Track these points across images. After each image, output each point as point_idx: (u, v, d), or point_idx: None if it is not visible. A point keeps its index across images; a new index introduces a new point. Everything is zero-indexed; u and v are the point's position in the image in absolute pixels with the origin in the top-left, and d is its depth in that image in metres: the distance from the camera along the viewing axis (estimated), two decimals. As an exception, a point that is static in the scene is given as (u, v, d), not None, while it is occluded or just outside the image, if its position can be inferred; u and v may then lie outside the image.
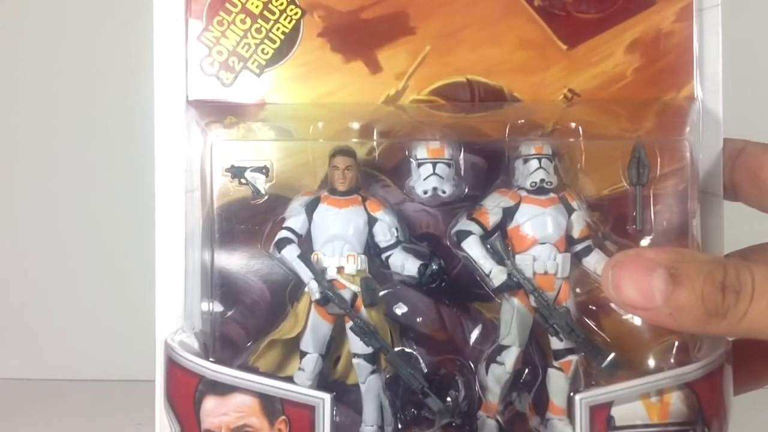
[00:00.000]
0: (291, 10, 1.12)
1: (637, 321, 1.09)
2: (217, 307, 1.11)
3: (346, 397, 1.12)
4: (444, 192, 1.10)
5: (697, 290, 0.88)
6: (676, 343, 1.09)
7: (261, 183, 1.10)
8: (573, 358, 1.10)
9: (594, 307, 1.12)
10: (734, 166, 1.12)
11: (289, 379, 1.10)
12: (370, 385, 1.10)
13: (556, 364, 1.11)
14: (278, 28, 1.12)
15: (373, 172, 1.13)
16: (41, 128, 2.05)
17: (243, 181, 1.10)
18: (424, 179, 1.10)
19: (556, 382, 1.11)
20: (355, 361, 1.10)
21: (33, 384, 2.08)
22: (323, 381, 1.11)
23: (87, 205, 2.07)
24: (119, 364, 2.03)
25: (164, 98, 1.12)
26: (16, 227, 2.09)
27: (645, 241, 1.11)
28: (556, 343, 1.11)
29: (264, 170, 1.10)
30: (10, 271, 2.10)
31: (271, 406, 1.03)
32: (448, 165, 1.10)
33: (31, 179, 2.08)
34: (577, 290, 1.12)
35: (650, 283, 0.89)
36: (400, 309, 1.11)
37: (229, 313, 1.11)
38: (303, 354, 1.10)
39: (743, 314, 0.89)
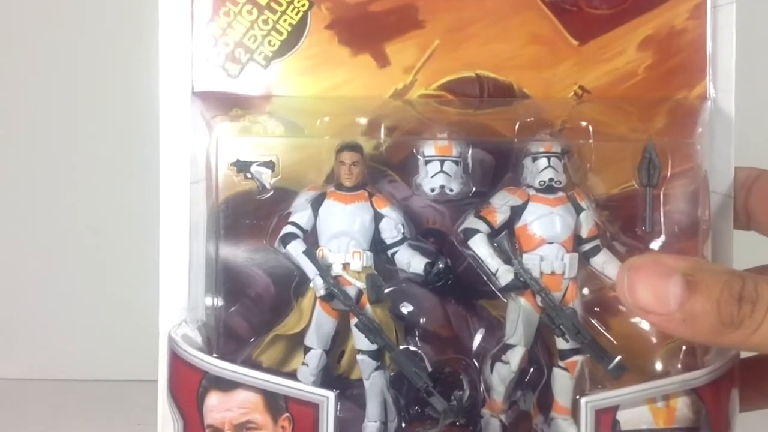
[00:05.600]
0: (298, 1, 1.14)
1: (644, 323, 1.11)
2: (221, 301, 1.13)
3: (349, 392, 1.14)
4: (452, 190, 1.12)
5: (713, 298, 0.90)
6: (684, 347, 1.11)
7: (267, 178, 1.13)
8: (578, 358, 1.12)
9: (600, 308, 1.14)
10: (749, 195, 1.14)
11: (293, 374, 1.12)
12: (374, 382, 1.13)
13: (561, 364, 1.13)
14: (285, 20, 1.14)
15: (379, 166, 1.16)
16: (44, 120, 2.08)
17: (248, 175, 1.13)
18: (432, 177, 1.12)
19: (561, 381, 1.13)
20: (359, 357, 1.13)
21: (33, 384, 2.11)
22: (327, 376, 1.14)
23: (85, 203, 2.10)
24: (119, 364, 2.06)
25: (169, 89, 1.15)
26: (18, 222, 2.11)
27: (654, 243, 1.13)
28: (561, 343, 1.13)
29: (270, 165, 1.13)
30: (9, 270, 2.12)
31: (274, 403, 1.05)
32: (456, 163, 1.13)
33: (33, 172, 2.10)
34: (584, 291, 1.14)
35: (666, 288, 0.91)
36: (406, 308, 1.14)
37: (234, 307, 1.14)
38: (307, 349, 1.13)
39: (758, 326, 0.90)
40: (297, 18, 1.14)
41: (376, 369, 1.13)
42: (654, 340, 1.12)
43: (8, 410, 1.98)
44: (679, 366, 1.11)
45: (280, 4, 1.14)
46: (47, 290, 2.13)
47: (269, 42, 1.14)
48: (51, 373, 2.13)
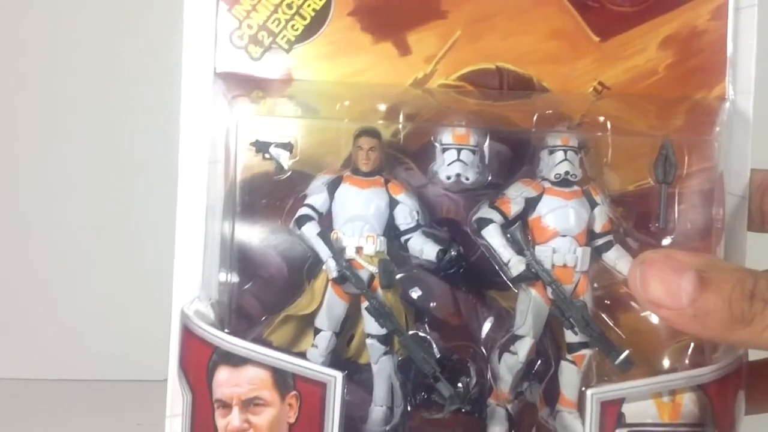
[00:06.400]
0: None
1: (654, 318, 1.14)
2: (235, 279, 1.17)
3: (357, 376, 1.18)
4: (467, 179, 1.16)
5: (725, 295, 0.93)
6: (692, 344, 1.15)
7: (285, 159, 1.17)
8: (587, 352, 1.16)
9: (611, 303, 1.18)
10: (765, 197, 1.17)
11: (302, 355, 1.15)
12: (381, 366, 1.17)
13: (569, 357, 1.17)
14: (309, 5, 1.18)
15: (396, 154, 1.19)
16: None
17: (267, 156, 1.16)
18: (448, 165, 1.16)
19: (568, 375, 1.17)
20: (368, 341, 1.17)
21: (33, 384, 2.14)
22: (335, 359, 1.17)
23: (86, 203, 2.12)
24: (119, 364, 2.10)
25: (192, 70, 1.18)
26: (16, 226, 2.14)
27: (667, 240, 1.16)
28: (570, 336, 1.16)
29: (288, 146, 1.17)
30: (10, 270, 2.15)
31: (283, 380, 1.09)
32: (473, 152, 1.16)
33: (28, 177, 2.13)
34: (595, 285, 1.17)
35: (678, 284, 0.94)
36: (416, 292, 1.17)
37: (247, 286, 1.17)
38: (317, 331, 1.17)
39: None
40: (321, 3, 1.18)
41: (385, 353, 1.16)
42: (663, 336, 1.15)
43: (8, 410, 2.00)
44: (687, 362, 1.14)
45: (306, -11, 1.18)
46: (47, 290, 2.16)
47: (292, 26, 1.18)
48: (51, 373, 2.15)
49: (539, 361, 1.18)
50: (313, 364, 1.11)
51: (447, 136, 1.17)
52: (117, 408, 1.99)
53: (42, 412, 2.01)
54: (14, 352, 2.17)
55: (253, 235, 1.17)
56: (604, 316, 1.17)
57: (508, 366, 1.16)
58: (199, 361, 1.11)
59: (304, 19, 1.18)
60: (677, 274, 0.95)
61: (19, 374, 2.16)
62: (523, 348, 1.16)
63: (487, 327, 1.19)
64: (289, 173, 1.18)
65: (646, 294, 0.97)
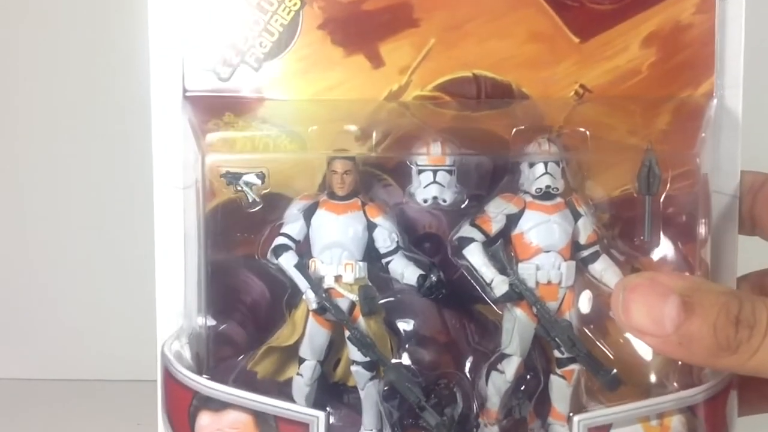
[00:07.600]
0: (290, 0, 1.17)
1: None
2: (214, 311, 1.18)
3: (346, 398, 1.20)
4: (445, 201, 1.16)
5: (709, 321, 0.94)
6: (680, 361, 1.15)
7: (257, 190, 1.17)
8: (575, 367, 1.17)
9: (598, 314, 1.17)
10: (755, 201, 1.17)
11: (288, 383, 1.18)
12: (368, 392, 1.18)
13: (558, 371, 1.18)
14: (276, 20, 1.17)
15: (374, 171, 1.19)
16: (35, 124, 2.14)
17: (239, 188, 1.16)
18: (425, 187, 1.16)
19: (558, 389, 1.18)
20: (353, 368, 1.18)
21: (33, 384, 2.18)
22: (322, 385, 1.19)
23: (85, 201, 2.15)
24: (119, 364, 2.13)
25: (161, 93, 1.18)
26: (14, 225, 2.18)
27: (653, 251, 1.16)
28: (558, 352, 1.17)
29: (260, 176, 1.17)
30: (9, 270, 2.19)
31: (265, 423, 1.10)
32: (450, 172, 1.16)
33: (27, 177, 2.16)
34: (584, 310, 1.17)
35: (662, 310, 0.95)
36: (401, 320, 1.18)
37: (227, 319, 1.18)
38: (301, 360, 1.18)
39: (755, 350, 0.94)
40: (289, 18, 1.17)
41: (371, 379, 1.18)
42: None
43: (8, 410, 2.05)
44: (675, 384, 1.15)
45: (272, 4, 1.17)
46: (47, 290, 2.19)
47: (260, 43, 1.17)
48: (51, 373, 2.20)
49: (528, 377, 1.19)
50: (294, 405, 1.13)
51: (422, 158, 1.17)
52: (117, 408, 2.04)
53: (42, 412, 2.05)
54: (14, 352, 2.22)
55: (232, 263, 1.18)
56: (592, 328, 1.18)
57: (496, 386, 1.18)
58: (181, 406, 1.12)
59: (272, 35, 1.17)
60: (661, 300, 0.96)
61: (19, 374, 2.21)
62: (511, 367, 1.17)
63: (475, 342, 1.20)
64: (261, 205, 1.17)
65: (629, 321, 0.98)
